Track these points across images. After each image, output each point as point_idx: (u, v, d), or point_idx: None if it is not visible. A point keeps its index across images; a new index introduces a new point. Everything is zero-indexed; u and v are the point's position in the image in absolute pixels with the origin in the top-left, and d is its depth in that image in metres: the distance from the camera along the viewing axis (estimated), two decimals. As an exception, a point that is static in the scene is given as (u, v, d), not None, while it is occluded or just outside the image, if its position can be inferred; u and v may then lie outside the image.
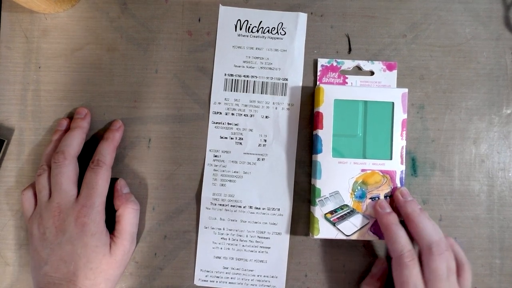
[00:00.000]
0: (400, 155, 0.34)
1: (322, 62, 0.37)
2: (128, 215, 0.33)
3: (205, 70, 0.37)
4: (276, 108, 0.36)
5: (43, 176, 0.33)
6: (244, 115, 0.36)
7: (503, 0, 0.38)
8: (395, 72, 0.37)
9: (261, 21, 0.36)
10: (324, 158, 0.34)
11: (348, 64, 0.37)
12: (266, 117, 0.36)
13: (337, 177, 0.34)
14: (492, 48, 0.37)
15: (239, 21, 0.36)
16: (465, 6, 0.38)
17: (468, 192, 0.37)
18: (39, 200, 0.33)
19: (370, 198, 0.34)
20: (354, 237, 0.34)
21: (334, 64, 0.37)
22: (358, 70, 0.37)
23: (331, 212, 0.34)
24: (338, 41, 0.37)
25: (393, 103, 0.35)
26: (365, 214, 0.34)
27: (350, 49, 0.37)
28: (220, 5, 0.36)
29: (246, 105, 0.36)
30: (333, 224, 0.34)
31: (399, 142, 0.34)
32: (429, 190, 0.37)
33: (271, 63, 0.36)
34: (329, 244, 0.36)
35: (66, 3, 0.36)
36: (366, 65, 0.37)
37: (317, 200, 0.34)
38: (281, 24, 0.36)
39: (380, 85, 0.37)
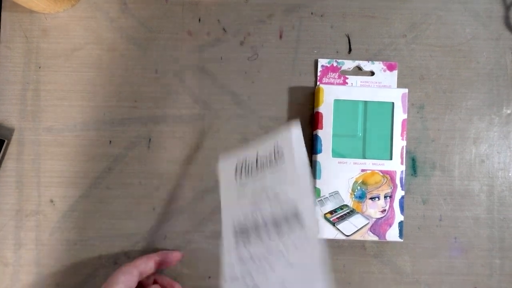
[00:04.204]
0: (400, 155, 0.34)
1: (322, 62, 0.37)
2: None
3: (205, 70, 0.37)
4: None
5: None
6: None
7: (503, 0, 0.38)
8: (395, 72, 0.37)
9: (257, 152, 0.31)
10: (324, 158, 0.34)
11: (348, 64, 0.37)
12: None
13: (337, 177, 0.34)
14: (492, 48, 0.37)
15: (237, 166, 0.31)
16: (465, 6, 0.38)
17: (468, 192, 0.37)
18: None
19: (370, 198, 0.34)
20: (353, 237, 0.34)
21: (334, 64, 0.37)
22: (358, 70, 0.37)
23: (331, 212, 0.34)
24: (338, 41, 0.37)
25: (393, 103, 0.35)
26: (365, 214, 0.34)
27: (350, 49, 0.37)
28: (219, 159, 0.32)
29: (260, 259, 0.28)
30: (333, 224, 0.34)
31: (399, 142, 0.34)
32: (429, 190, 0.37)
33: (279, 193, 0.29)
34: (329, 244, 0.36)
35: (66, 3, 0.36)
36: (366, 66, 0.37)
37: (316, 200, 0.34)
38: (276, 144, 0.30)
39: (381, 85, 0.37)
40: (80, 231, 0.36)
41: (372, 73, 0.37)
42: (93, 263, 0.36)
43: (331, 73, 0.37)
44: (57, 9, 0.36)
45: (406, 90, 0.35)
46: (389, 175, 0.34)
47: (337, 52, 0.37)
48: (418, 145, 0.37)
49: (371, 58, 0.37)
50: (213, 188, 0.36)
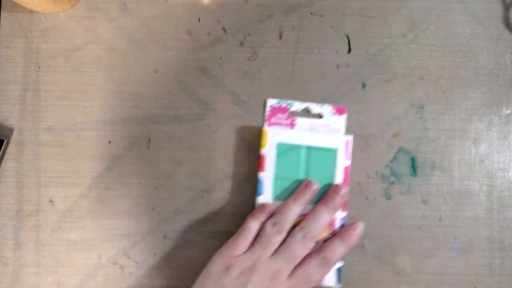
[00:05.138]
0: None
1: (271, 103, 0.36)
2: None
3: (205, 70, 0.37)
4: None
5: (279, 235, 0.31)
6: None
7: (503, 0, 0.38)
8: (344, 116, 0.36)
9: None
10: (265, 201, 0.34)
11: (297, 106, 0.36)
12: None
13: None
14: (492, 48, 0.37)
15: None
16: (465, 6, 0.38)
17: (468, 192, 0.37)
18: (261, 248, 0.31)
19: None
20: None
21: (283, 105, 0.36)
22: (307, 113, 0.36)
23: None
24: (338, 41, 0.37)
25: (336, 149, 0.34)
26: None
27: (350, 49, 0.37)
28: None
29: None
30: None
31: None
32: (429, 190, 0.37)
33: None
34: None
35: (66, 3, 0.36)
36: (315, 108, 0.36)
37: None
38: None
39: (329, 128, 0.36)
40: (80, 231, 0.36)
41: (321, 116, 0.36)
42: (93, 263, 0.36)
43: (280, 114, 0.36)
44: (57, 9, 0.36)
45: (350, 137, 0.34)
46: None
47: (337, 52, 0.37)
48: (418, 145, 0.37)
49: (370, 58, 0.37)
50: (213, 188, 0.36)
